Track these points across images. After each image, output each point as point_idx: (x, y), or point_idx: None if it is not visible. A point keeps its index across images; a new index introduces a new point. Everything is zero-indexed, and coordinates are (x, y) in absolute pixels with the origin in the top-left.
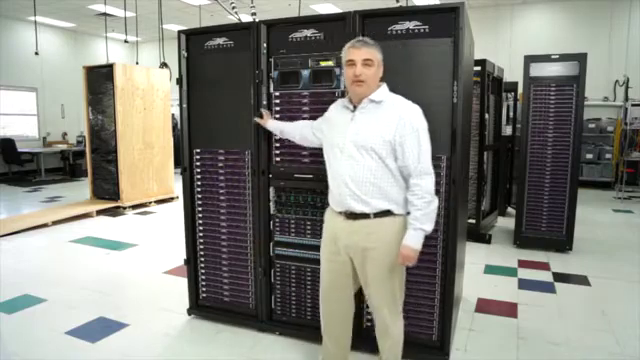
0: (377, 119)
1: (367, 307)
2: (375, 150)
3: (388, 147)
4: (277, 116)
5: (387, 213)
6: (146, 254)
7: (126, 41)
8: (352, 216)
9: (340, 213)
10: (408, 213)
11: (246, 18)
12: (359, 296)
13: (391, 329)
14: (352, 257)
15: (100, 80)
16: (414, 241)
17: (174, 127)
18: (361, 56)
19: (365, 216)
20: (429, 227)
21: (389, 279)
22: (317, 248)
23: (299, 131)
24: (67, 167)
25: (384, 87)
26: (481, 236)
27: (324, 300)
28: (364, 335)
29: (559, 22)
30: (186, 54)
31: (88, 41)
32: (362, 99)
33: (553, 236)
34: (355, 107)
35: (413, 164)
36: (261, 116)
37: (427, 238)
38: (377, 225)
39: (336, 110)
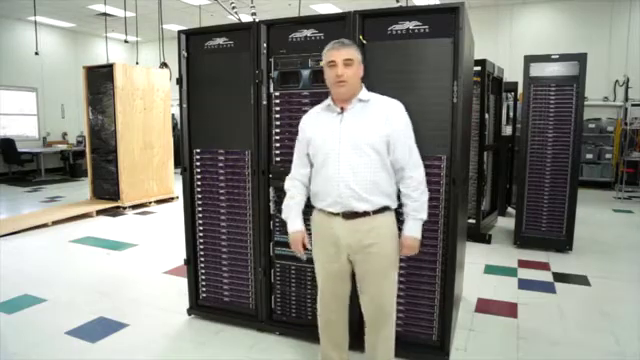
0: (367, 117)
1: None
2: (373, 147)
3: (383, 142)
4: (277, 116)
5: (385, 209)
6: (146, 254)
7: (126, 41)
8: (352, 215)
9: (337, 214)
10: (399, 206)
11: (246, 18)
12: (354, 299)
13: (388, 321)
14: (352, 256)
15: (100, 80)
16: (415, 230)
17: (174, 127)
18: (341, 56)
19: (366, 214)
20: (425, 216)
21: (391, 272)
22: None
23: (303, 187)
24: (67, 167)
25: (363, 87)
26: (481, 236)
27: (324, 308)
28: (362, 335)
29: (559, 22)
30: (186, 54)
31: (88, 41)
32: (349, 99)
33: (553, 236)
34: (342, 109)
35: (404, 158)
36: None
37: (427, 238)
38: (376, 221)
39: (316, 119)
